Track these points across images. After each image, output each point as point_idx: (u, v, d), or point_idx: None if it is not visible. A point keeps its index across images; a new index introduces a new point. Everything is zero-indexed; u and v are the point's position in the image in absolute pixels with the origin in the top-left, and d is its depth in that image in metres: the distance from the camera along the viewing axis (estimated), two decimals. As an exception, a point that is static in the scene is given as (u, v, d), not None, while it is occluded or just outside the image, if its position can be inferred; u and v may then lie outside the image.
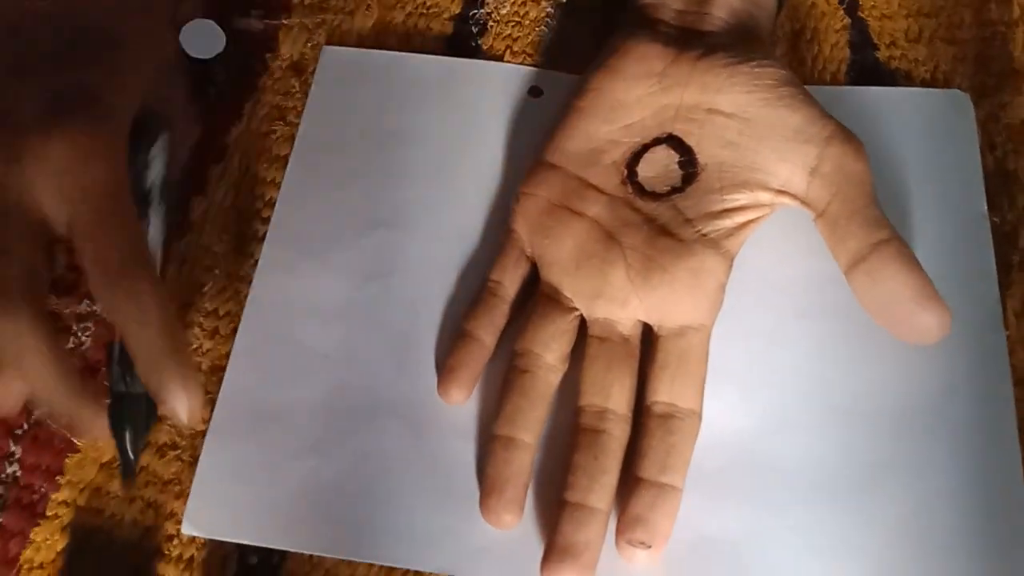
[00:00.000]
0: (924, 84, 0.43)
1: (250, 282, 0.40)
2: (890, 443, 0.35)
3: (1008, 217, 0.39)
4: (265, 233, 0.41)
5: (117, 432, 0.34)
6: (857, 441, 0.35)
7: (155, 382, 0.32)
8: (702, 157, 0.38)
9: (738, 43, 0.39)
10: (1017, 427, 0.35)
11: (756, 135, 0.37)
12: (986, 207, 0.39)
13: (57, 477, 0.37)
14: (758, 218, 0.37)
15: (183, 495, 0.36)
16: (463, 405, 0.37)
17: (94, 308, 0.40)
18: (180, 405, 0.32)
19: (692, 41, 0.39)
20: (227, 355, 0.38)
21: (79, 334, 0.39)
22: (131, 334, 0.32)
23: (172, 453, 0.37)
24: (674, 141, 0.38)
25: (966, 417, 0.35)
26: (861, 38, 0.44)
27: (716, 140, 0.37)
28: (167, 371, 0.32)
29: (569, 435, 0.35)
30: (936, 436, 0.35)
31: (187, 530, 0.35)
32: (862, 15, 0.45)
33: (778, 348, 0.37)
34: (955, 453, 0.35)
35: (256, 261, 0.40)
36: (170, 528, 0.36)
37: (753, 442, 0.36)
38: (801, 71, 0.44)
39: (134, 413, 0.34)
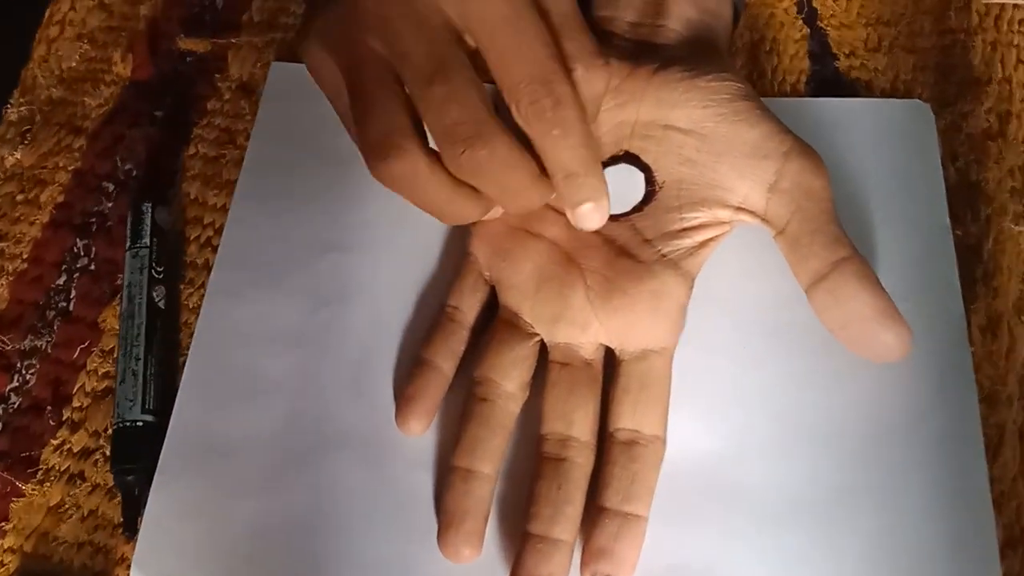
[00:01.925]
0: (884, 94, 0.42)
1: (198, 311, 0.38)
2: (857, 465, 0.34)
3: (971, 230, 0.39)
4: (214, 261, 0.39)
5: (120, 474, 0.34)
6: (824, 463, 0.35)
7: (573, 190, 0.33)
8: (660, 175, 0.37)
9: (694, 56, 0.38)
10: (985, 446, 0.34)
11: (714, 151, 0.36)
12: (948, 220, 0.38)
13: (2, 523, 0.35)
14: (717, 236, 0.36)
15: (133, 538, 0.35)
16: (422, 436, 0.36)
17: (38, 343, 0.38)
18: (596, 213, 0.34)
19: (647, 55, 0.38)
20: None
21: (23, 372, 0.38)
22: (550, 143, 0.32)
23: (121, 493, 0.36)
24: (631, 159, 0.37)
25: (933, 437, 0.35)
26: (821, 48, 0.44)
27: (673, 157, 0.37)
28: (589, 178, 0.33)
29: (531, 463, 0.34)
30: (903, 457, 0.34)
31: (137, 574, 0.34)
32: (821, 24, 0.44)
33: (742, 369, 0.36)
34: (922, 474, 0.34)
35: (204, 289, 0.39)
36: (120, 573, 0.34)
37: (719, 466, 0.35)
38: (761, 83, 0.43)
39: (140, 448, 0.34)
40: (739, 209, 0.36)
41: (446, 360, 0.36)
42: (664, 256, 0.36)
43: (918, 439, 0.35)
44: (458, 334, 0.36)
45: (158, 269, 0.39)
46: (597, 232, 0.36)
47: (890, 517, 0.33)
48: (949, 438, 0.34)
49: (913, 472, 0.34)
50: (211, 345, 0.38)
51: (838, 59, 0.43)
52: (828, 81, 0.43)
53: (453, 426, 0.35)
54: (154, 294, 0.38)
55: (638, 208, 0.37)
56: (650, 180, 0.37)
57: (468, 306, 0.37)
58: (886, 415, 0.35)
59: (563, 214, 0.37)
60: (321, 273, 0.39)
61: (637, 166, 0.37)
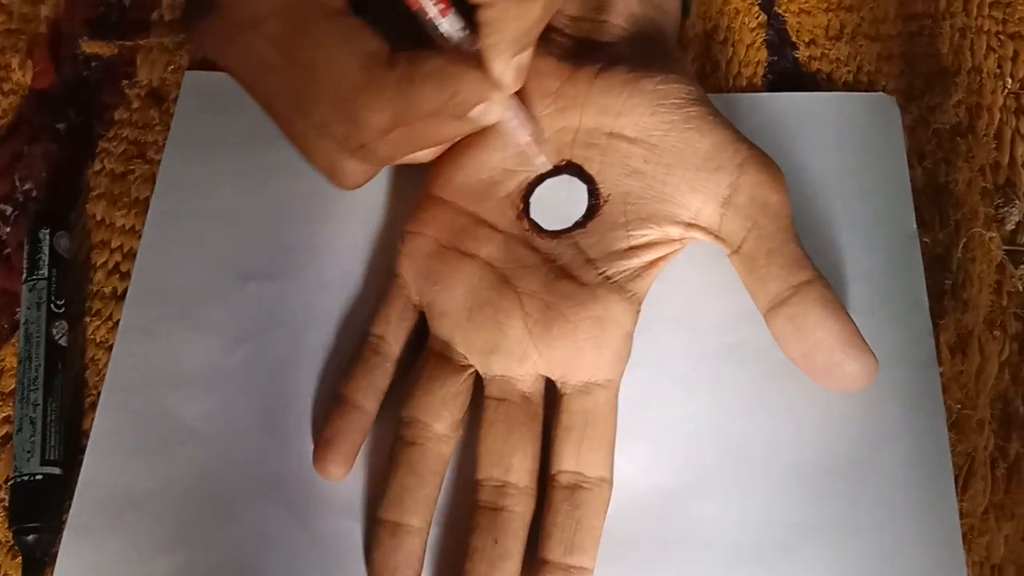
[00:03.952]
0: (847, 87, 0.39)
1: (110, 348, 0.35)
2: (818, 500, 0.32)
3: (939, 237, 0.36)
4: (125, 291, 0.36)
5: (19, 534, 0.32)
6: (782, 498, 0.32)
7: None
8: (605, 187, 0.34)
9: (640, 54, 0.35)
10: (954, 477, 0.32)
11: (663, 162, 0.33)
12: (915, 226, 0.36)
13: None
14: (667, 255, 0.33)
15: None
16: (345, 481, 0.33)
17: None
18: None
19: (589, 54, 0.35)
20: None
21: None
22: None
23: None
24: (574, 169, 0.34)
25: (897, 467, 0.32)
26: (779, 37, 0.41)
27: (619, 168, 0.34)
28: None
29: (467, 506, 0.32)
30: (866, 490, 0.32)
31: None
32: (779, 11, 0.41)
33: (694, 396, 0.34)
34: (887, 509, 0.32)
35: (116, 323, 0.36)
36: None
37: (669, 504, 0.32)
38: (715, 76, 0.40)
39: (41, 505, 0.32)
40: (691, 226, 0.33)
41: (368, 397, 0.33)
42: (608, 278, 0.33)
43: (881, 470, 0.32)
44: (382, 367, 0.33)
45: (58, 303, 0.35)
46: (536, 250, 0.33)
47: (853, 556, 0.31)
48: (915, 468, 0.32)
49: (876, 506, 0.32)
50: (123, 389, 0.35)
51: (797, 48, 0.40)
52: (787, 73, 0.40)
53: (384, 468, 0.32)
54: (54, 331, 0.35)
55: (581, 224, 0.34)
56: (594, 193, 0.34)
57: (394, 336, 0.34)
58: (847, 444, 0.33)
59: (498, 231, 0.34)
60: (240, 305, 0.36)
61: (580, 177, 0.34)
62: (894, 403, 0.33)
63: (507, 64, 0.30)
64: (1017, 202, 0.36)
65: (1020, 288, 0.35)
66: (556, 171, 0.35)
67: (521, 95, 0.33)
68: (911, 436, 0.32)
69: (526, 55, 0.31)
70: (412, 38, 0.31)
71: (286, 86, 0.31)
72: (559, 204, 0.34)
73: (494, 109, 0.31)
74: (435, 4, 0.30)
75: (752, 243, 0.32)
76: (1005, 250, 0.36)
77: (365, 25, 0.30)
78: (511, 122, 0.33)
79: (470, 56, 0.31)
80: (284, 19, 0.30)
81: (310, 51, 0.30)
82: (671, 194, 0.33)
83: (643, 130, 0.33)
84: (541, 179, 0.35)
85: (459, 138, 0.34)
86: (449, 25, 0.31)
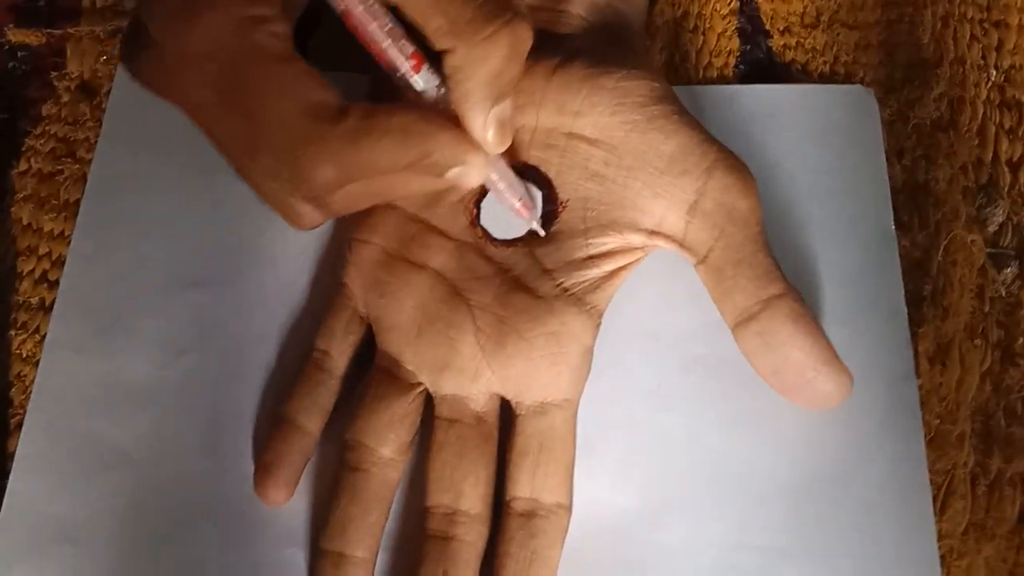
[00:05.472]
0: (823, 78, 0.37)
1: (38, 363, 0.33)
2: (789, 521, 0.30)
3: (919, 239, 0.34)
4: (53, 302, 0.34)
5: None
6: (753, 520, 0.30)
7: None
8: (563, 191, 0.32)
9: (602, 47, 0.32)
10: (932, 496, 0.30)
11: (624, 165, 0.31)
12: (894, 227, 0.34)
13: None
14: (628, 265, 0.31)
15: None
16: (288, 505, 0.31)
17: None
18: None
19: (547, 47, 0.32)
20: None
21: None
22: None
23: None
24: (531, 172, 0.32)
25: (873, 486, 0.30)
26: (751, 24, 0.38)
27: (579, 171, 0.31)
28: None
29: (417, 532, 0.30)
30: (842, 510, 0.30)
31: None
32: (752, -5, 0.39)
33: (660, 412, 0.32)
34: (862, 530, 0.30)
35: (43, 337, 0.33)
36: None
37: (633, 528, 0.30)
38: (684, 67, 0.38)
39: None
40: (654, 233, 0.31)
41: (310, 418, 0.31)
42: (566, 290, 0.31)
43: (857, 490, 0.31)
44: (325, 385, 0.31)
45: None
46: (490, 259, 0.31)
47: (827, 581, 0.29)
48: (892, 488, 0.31)
49: (851, 529, 0.30)
50: (51, 408, 0.32)
51: (771, 37, 0.38)
52: (760, 63, 0.38)
53: (328, 490, 0.30)
54: None
55: (537, 231, 0.32)
56: (552, 198, 0.32)
57: (339, 350, 0.32)
58: (822, 463, 0.31)
59: (450, 238, 0.32)
60: (177, 315, 0.33)
61: (537, 180, 0.32)
62: (871, 418, 0.31)
63: (484, 118, 0.27)
64: (1000, 202, 0.35)
65: (1003, 293, 0.33)
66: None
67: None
68: (888, 453, 0.31)
69: (505, 108, 0.28)
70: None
71: (228, 129, 0.28)
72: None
73: (473, 172, 0.28)
74: (407, 60, 0.28)
75: (719, 253, 0.30)
76: (988, 253, 0.34)
77: (312, 72, 0.27)
78: (497, 184, 0.30)
79: (449, 114, 0.28)
80: (220, 62, 0.27)
81: (249, 98, 0.27)
82: (633, 200, 0.31)
83: (603, 131, 0.31)
84: (496, 182, 0.32)
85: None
86: (424, 81, 0.28)
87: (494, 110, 0.28)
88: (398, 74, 0.28)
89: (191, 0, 0.26)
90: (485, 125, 0.28)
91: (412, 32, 0.27)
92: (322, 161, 0.27)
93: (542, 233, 0.31)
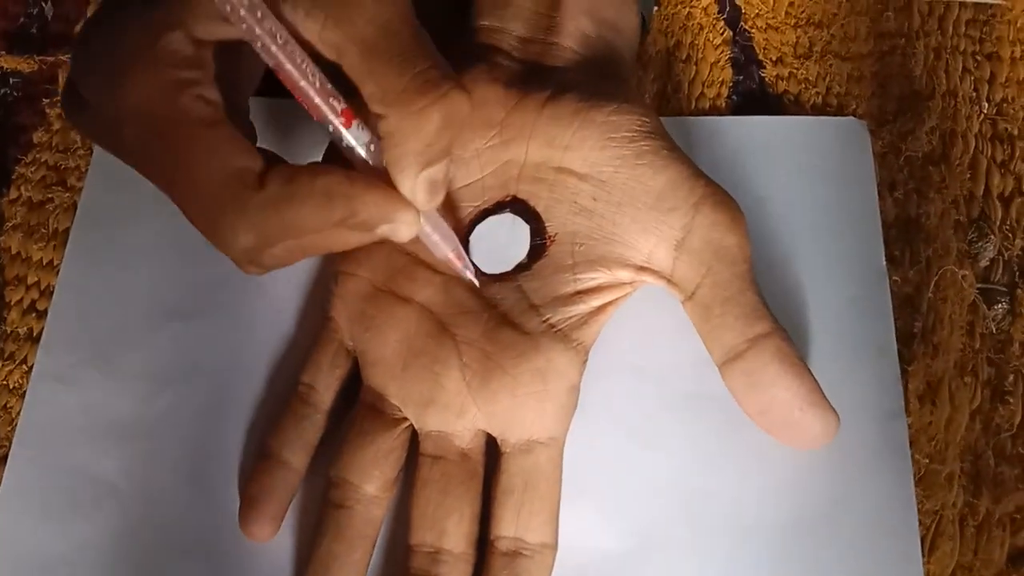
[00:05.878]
0: (815, 110, 0.37)
1: (23, 395, 0.33)
2: (776, 563, 0.30)
3: (910, 275, 0.34)
4: (41, 333, 0.34)
5: None
6: (739, 561, 0.30)
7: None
8: (551, 226, 0.32)
9: (593, 80, 0.32)
10: (920, 537, 0.30)
11: (613, 200, 0.31)
12: (885, 263, 0.34)
13: None
14: (615, 300, 0.31)
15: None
16: (274, 540, 0.31)
17: None
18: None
19: (538, 80, 0.32)
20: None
21: None
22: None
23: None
24: (519, 205, 0.32)
25: (861, 527, 0.30)
26: (745, 55, 0.38)
27: (568, 206, 0.31)
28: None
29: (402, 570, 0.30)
30: (829, 551, 0.30)
31: None
32: (745, 26, 0.39)
33: (646, 450, 0.32)
34: (850, 571, 0.30)
35: (31, 368, 0.33)
36: None
37: (620, 567, 0.30)
38: (676, 97, 0.38)
39: None
40: (642, 269, 0.31)
41: (295, 453, 0.31)
42: (552, 326, 0.30)
43: (844, 529, 0.30)
44: (311, 419, 0.31)
45: None
46: (477, 294, 0.31)
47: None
48: (879, 527, 0.30)
49: (838, 569, 0.30)
50: (36, 441, 0.32)
51: (764, 67, 0.38)
52: (752, 94, 0.38)
53: (313, 527, 0.30)
54: None
55: (525, 265, 0.32)
56: (540, 232, 0.32)
57: (325, 384, 0.31)
58: (809, 502, 0.31)
59: (438, 272, 0.32)
60: (163, 348, 0.33)
61: (525, 215, 0.32)
62: (859, 457, 0.31)
63: (414, 180, 0.27)
64: (991, 236, 0.34)
65: (993, 329, 0.33)
66: (500, 207, 0.32)
67: (464, 125, 0.30)
68: (876, 493, 0.31)
69: (438, 170, 0.27)
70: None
71: (161, 188, 0.28)
72: (502, 244, 0.32)
73: (402, 229, 0.28)
74: (337, 116, 0.27)
75: (706, 290, 0.30)
76: (978, 288, 0.34)
77: (237, 138, 0.27)
78: (430, 237, 0.30)
79: (379, 171, 0.27)
80: (142, 126, 0.26)
81: (171, 162, 0.27)
82: (621, 235, 0.31)
83: (592, 165, 0.31)
84: (483, 216, 0.32)
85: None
86: (353, 138, 0.27)
87: (424, 173, 0.27)
88: (330, 129, 0.28)
89: (120, 62, 0.26)
90: (414, 188, 0.27)
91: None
92: (241, 230, 0.26)
93: (476, 284, 0.31)
